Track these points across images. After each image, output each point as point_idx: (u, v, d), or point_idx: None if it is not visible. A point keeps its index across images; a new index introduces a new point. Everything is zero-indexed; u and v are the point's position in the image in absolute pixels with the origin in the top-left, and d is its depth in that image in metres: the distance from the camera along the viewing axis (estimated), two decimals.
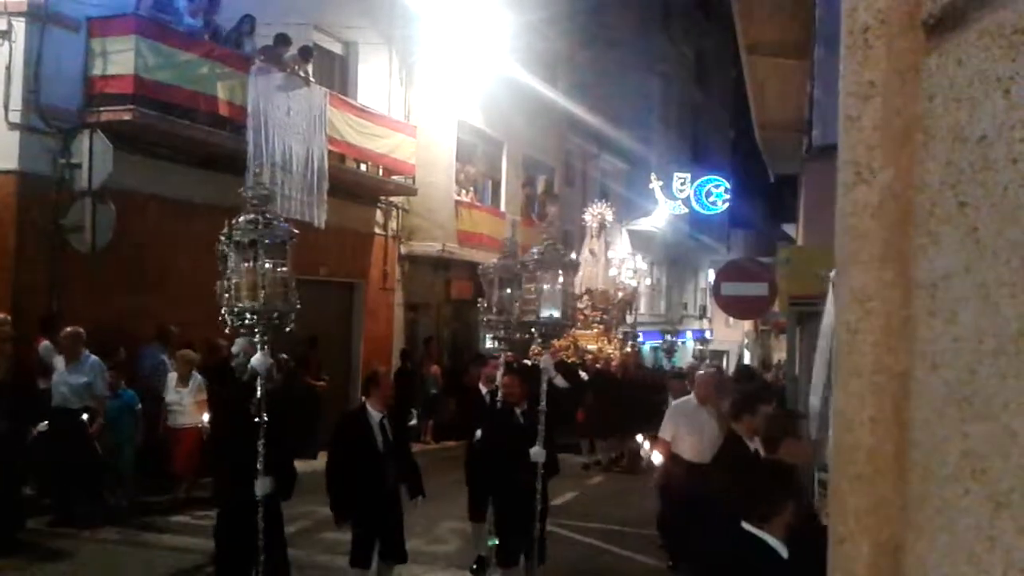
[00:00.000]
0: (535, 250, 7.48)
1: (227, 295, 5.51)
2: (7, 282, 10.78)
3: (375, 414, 6.86)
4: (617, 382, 16.22)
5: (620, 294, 22.29)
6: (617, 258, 23.52)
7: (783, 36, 11.43)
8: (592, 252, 20.73)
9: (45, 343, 10.30)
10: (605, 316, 21.08)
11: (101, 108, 11.36)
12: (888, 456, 1.23)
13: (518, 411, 7.65)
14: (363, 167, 16.23)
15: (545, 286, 7.28)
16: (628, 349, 20.16)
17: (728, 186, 35.81)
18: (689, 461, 8.16)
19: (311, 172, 14.09)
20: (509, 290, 7.87)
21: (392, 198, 17.79)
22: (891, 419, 1.23)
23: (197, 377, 10.59)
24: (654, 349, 28.29)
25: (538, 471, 7.27)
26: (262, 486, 5.70)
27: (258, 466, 5.66)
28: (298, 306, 5.75)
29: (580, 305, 18.94)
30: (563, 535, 9.78)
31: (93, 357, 9.68)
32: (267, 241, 5.56)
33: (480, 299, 8.49)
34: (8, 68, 10.88)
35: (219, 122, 12.70)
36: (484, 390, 8.62)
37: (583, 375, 9.83)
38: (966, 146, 1.08)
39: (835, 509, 1.30)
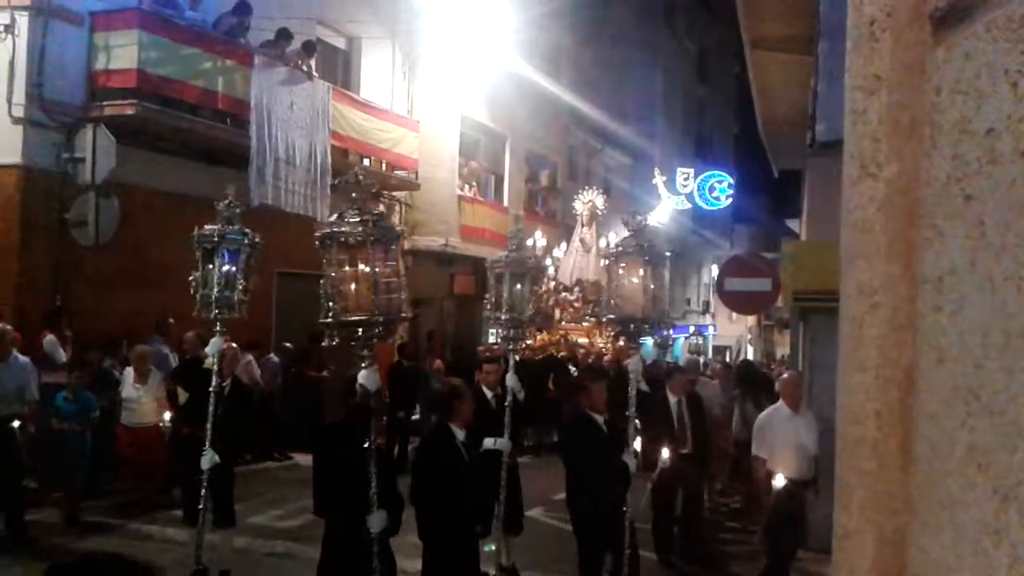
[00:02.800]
0: (618, 239, 6.82)
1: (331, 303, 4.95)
2: (11, 276, 10.80)
3: (459, 433, 6.01)
4: (609, 379, 15.71)
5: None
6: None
7: (787, 31, 11.42)
8: (583, 241, 20.36)
9: (49, 337, 10.31)
10: (597, 308, 20.71)
11: (104, 102, 11.38)
12: (893, 450, 1.22)
13: (600, 419, 6.87)
14: (366, 162, 16.22)
15: (630, 280, 6.40)
16: (622, 343, 19.59)
17: (731, 181, 35.78)
18: (789, 478, 7.50)
19: (314, 166, 14.10)
20: (520, 286, 7.31)
21: (395, 193, 17.77)
22: (896, 413, 1.22)
23: (156, 373, 10.17)
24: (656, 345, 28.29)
25: (628, 481, 6.58)
26: (377, 521, 5.11)
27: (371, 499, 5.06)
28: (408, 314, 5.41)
29: (570, 297, 18.74)
30: (564, 529, 9.77)
31: (22, 358, 8.93)
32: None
33: (487, 295, 7.79)
34: (12, 62, 10.89)
35: (222, 116, 12.71)
36: (488, 393, 8.16)
37: (572, 370, 9.27)
38: (973, 139, 1.08)
39: (840, 502, 1.30)
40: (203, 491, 6.72)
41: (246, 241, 6.46)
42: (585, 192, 20.32)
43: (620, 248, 6.35)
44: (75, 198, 11.05)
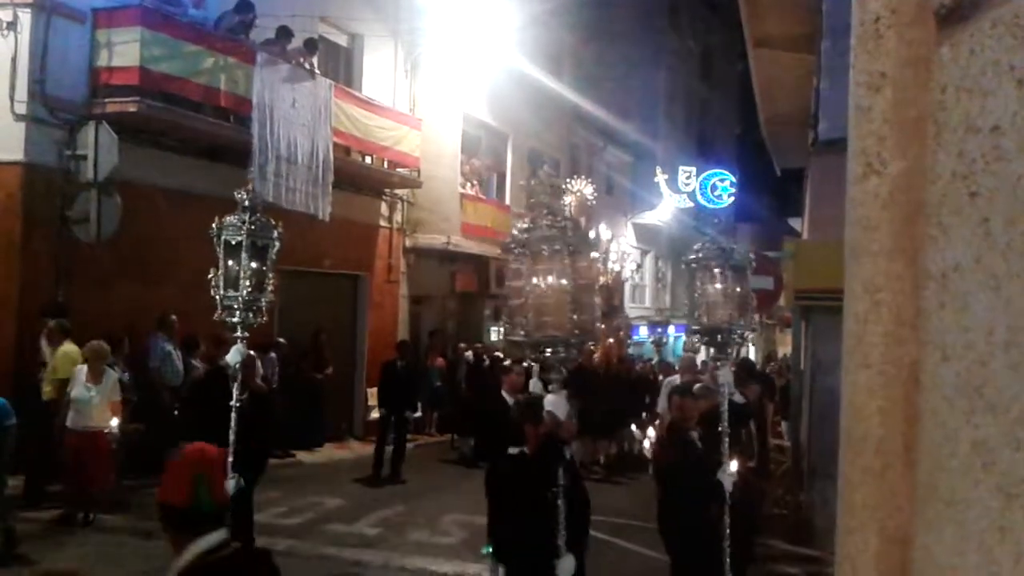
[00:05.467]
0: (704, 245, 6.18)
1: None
2: (13, 273, 10.81)
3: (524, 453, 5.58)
4: (597, 378, 14.57)
5: (602, 279, 21.23)
6: (602, 240, 21.90)
7: (789, 30, 11.42)
8: None
9: None
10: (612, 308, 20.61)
11: (107, 99, 11.38)
12: (897, 447, 1.22)
13: (694, 435, 6.46)
14: (368, 159, 16.23)
15: (718, 286, 5.97)
16: (610, 340, 18.83)
17: (734, 180, 35.71)
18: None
19: (316, 164, 14.09)
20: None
21: (397, 190, 17.78)
22: (900, 410, 1.22)
23: (111, 374, 9.33)
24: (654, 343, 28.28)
25: (723, 501, 5.93)
26: (566, 569, 4.44)
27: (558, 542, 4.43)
28: None
29: None
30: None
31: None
32: None
33: (499, 295, 7.64)
34: (14, 59, 10.89)
35: (224, 114, 12.71)
36: (510, 399, 7.79)
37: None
38: (978, 136, 1.08)
39: (844, 500, 1.30)
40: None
41: (275, 235, 5.80)
42: (573, 182, 19.70)
43: (701, 255, 5.89)
44: (77, 195, 11.05)
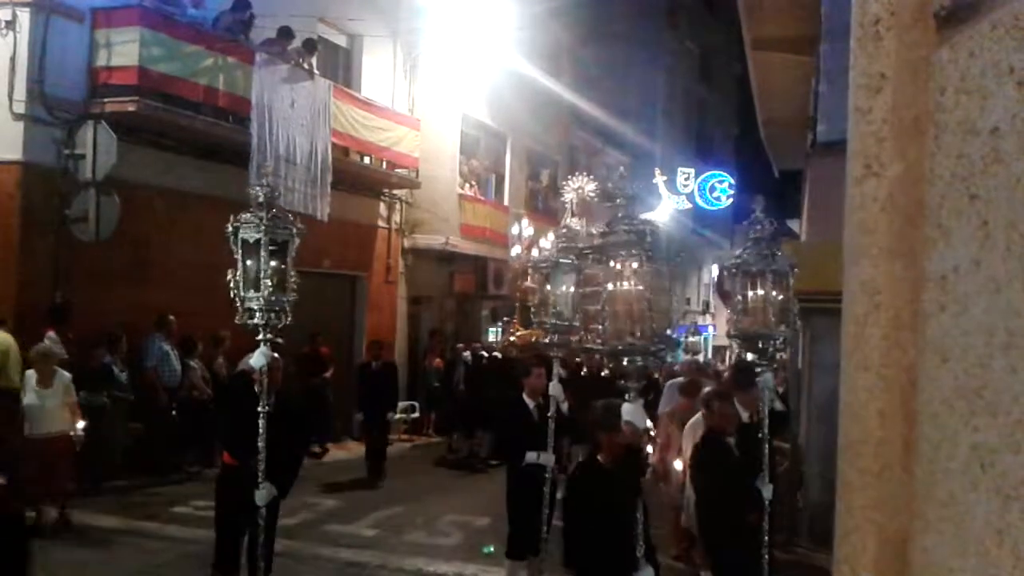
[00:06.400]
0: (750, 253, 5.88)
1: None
2: (12, 273, 10.80)
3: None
4: (581, 381, 14.01)
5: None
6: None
7: (788, 32, 11.43)
8: (569, 230, 20.10)
9: (50, 333, 10.31)
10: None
11: (105, 99, 11.37)
12: (896, 449, 1.22)
13: (731, 441, 6.28)
14: (367, 160, 16.22)
15: (755, 294, 5.82)
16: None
17: (732, 181, 35.77)
18: None
19: (315, 165, 14.09)
20: (568, 287, 6.52)
21: (395, 191, 17.78)
22: (899, 412, 1.22)
23: (63, 375, 8.87)
24: None
25: (763, 509, 5.83)
26: None
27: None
28: None
29: None
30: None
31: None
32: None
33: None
34: (13, 59, 10.88)
35: (223, 114, 12.70)
36: (530, 403, 7.50)
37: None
38: (978, 138, 1.08)
39: (842, 502, 1.30)
40: (247, 537, 5.85)
41: (294, 231, 5.56)
42: (574, 178, 19.58)
43: (741, 261, 5.75)
44: (75, 194, 11.05)
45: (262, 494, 5.58)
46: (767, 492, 5.79)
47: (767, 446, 5.92)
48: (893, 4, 1.25)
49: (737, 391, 6.82)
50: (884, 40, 1.26)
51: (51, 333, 10.30)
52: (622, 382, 4.46)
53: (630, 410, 4.31)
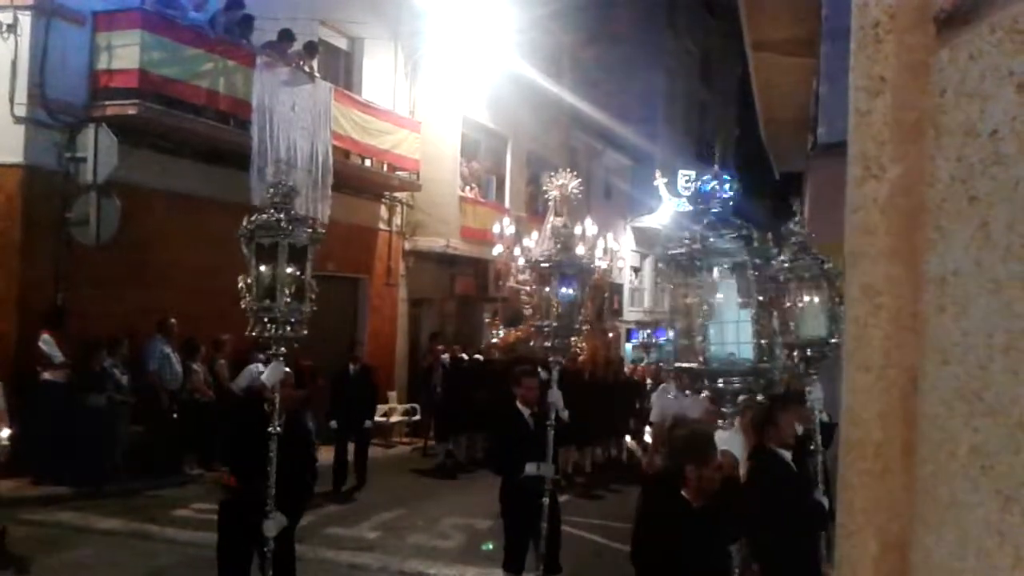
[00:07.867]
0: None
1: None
2: (13, 275, 10.81)
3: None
4: (582, 382, 13.51)
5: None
6: (588, 236, 21.27)
7: (789, 33, 11.42)
8: (555, 229, 19.40)
9: (45, 336, 10.33)
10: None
11: (106, 102, 11.40)
12: (896, 451, 1.22)
13: (787, 455, 5.69)
14: (367, 163, 16.24)
15: (807, 301, 5.41)
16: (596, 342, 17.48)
17: (734, 184, 35.70)
18: None
19: (315, 167, 14.10)
20: (569, 289, 6.25)
21: (396, 194, 17.79)
22: (900, 414, 1.22)
23: None
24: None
25: (824, 523, 5.46)
26: None
27: None
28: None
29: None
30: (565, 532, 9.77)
31: None
32: None
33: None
34: (14, 62, 10.90)
35: (224, 117, 12.72)
36: (525, 411, 7.13)
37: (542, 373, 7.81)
38: (977, 141, 1.08)
39: (843, 504, 1.30)
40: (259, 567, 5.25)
41: (315, 236, 5.12)
42: (557, 175, 18.81)
43: (790, 267, 5.32)
44: (76, 197, 11.06)
45: (271, 524, 5.06)
46: (826, 504, 5.40)
47: (820, 458, 5.56)
48: (893, 7, 1.25)
49: (787, 403, 6.28)
50: (884, 43, 1.26)
51: (47, 336, 10.32)
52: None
53: (727, 438, 3.82)
